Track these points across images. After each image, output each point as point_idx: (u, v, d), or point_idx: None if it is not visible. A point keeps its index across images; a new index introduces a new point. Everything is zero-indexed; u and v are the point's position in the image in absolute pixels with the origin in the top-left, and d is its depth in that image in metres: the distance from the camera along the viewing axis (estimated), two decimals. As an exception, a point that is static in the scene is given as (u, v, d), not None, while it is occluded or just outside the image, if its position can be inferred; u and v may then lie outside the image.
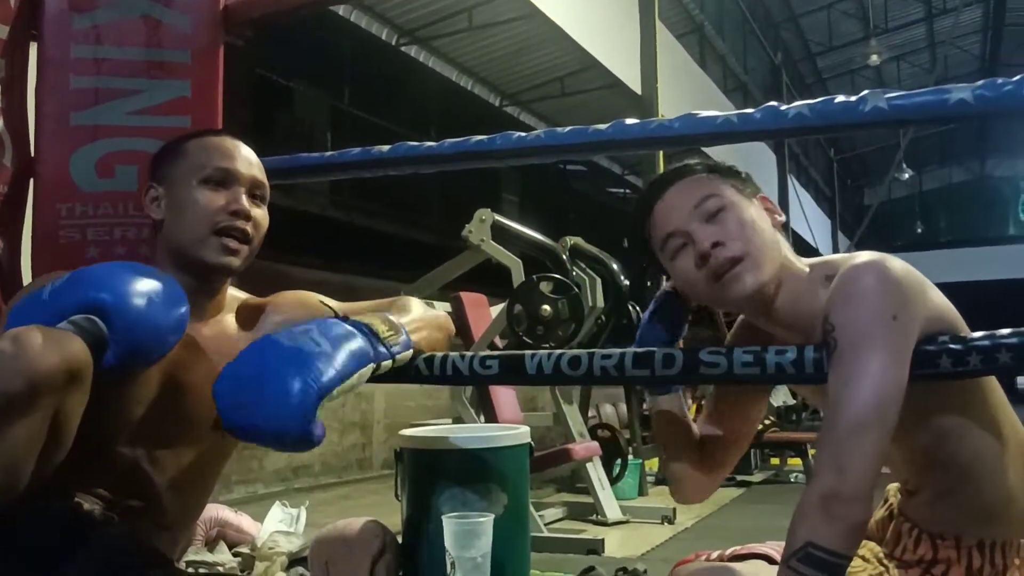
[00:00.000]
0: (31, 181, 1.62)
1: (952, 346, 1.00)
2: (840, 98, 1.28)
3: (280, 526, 1.98)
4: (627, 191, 13.87)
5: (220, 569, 1.69)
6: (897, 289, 0.98)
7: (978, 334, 1.01)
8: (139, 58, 1.66)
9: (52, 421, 0.97)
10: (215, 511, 1.87)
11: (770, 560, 1.22)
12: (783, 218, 1.16)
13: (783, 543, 1.24)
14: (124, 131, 1.64)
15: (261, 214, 1.29)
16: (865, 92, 1.27)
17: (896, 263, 1.01)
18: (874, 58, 15.08)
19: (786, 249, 1.13)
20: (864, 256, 1.03)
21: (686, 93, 8.95)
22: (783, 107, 1.31)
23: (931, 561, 1.07)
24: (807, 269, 1.12)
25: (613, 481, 4.31)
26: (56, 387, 0.94)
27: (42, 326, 0.97)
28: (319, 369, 1.04)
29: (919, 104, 1.25)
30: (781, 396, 6.64)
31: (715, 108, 1.41)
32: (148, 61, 1.67)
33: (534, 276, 3.64)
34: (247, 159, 1.29)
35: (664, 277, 1.21)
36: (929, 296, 1.03)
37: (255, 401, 1.03)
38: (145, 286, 1.08)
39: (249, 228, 1.26)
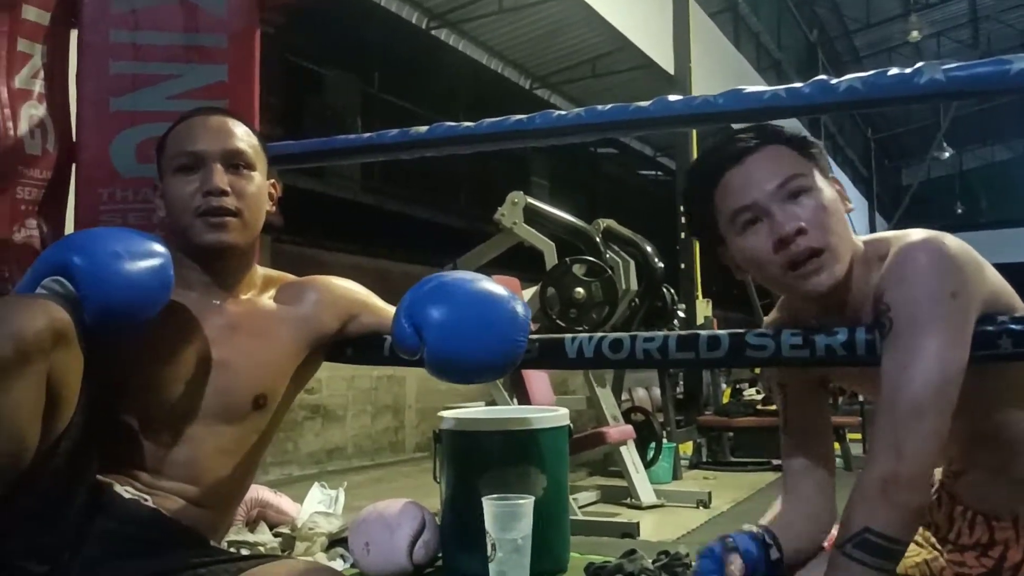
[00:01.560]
0: (73, 166, 1.64)
1: (1013, 326, 0.97)
2: (894, 70, 1.24)
3: (319, 507, 2.00)
4: (659, 173, 13.75)
5: (261, 549, 1.71)
6: (955, 266, 0.95)
7: None
8: (177, 43, 1.67)
9: (48, 386, 0.98)
10: (255, 492, 1.89)
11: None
12: (852, 206, 1.09)
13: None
14: (163, 116, 1.63)
15: (247, 183, 1.25)
16: (920, 64, 1.23)
17: (952, 240, 0.98)
18: (914, 34, 14.72)
19: (855, 238, 1.07)
20: (918, 234, 1.00)
21: (719, 73, 8.82)
22: (833, 81, 1.26)
23: (988, 543, 1.05)
24: (863, 248, 1.07)
25: (647, 465, 4.30)
26: (44, 348, 0.96)
27: (16, 294, 1.00)
28: None
29: (978, 75, 1.20)
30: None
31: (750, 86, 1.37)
32: (185, 46, 1.67)
33: (567, 259, 3.63)
34: (216, 132, 1.26)
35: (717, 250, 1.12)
36: (986, 274, 1.00)
37: None
38: (118, 246, 1.10)
39: (230, 201, 1.23)
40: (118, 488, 1.15)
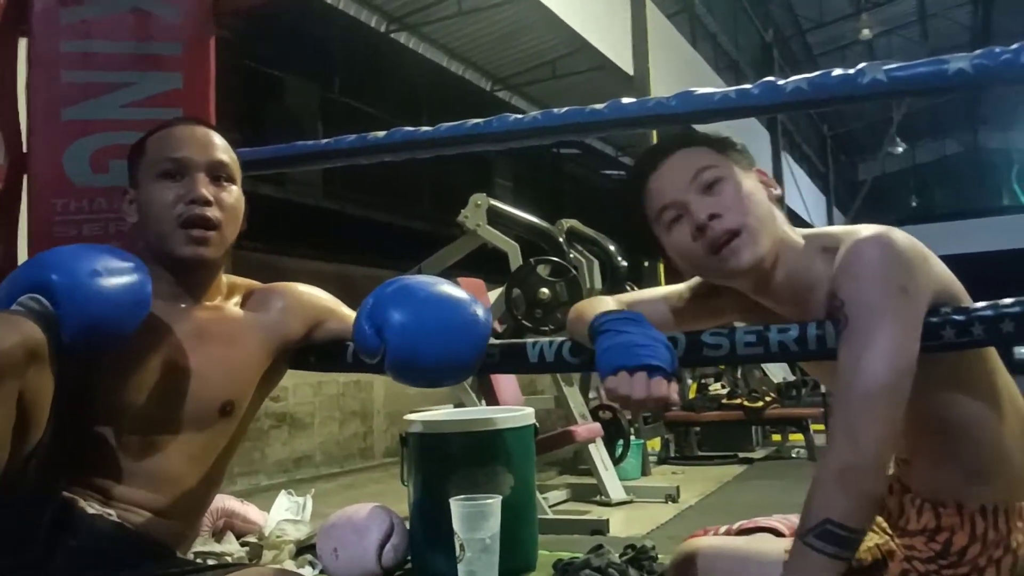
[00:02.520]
0: (24, 177, 1.61)
1: (955, 317, 1.01)
2: (838, 71, 1.28)
3: (287, 514, 1.99)
4: (621, 172, 13.85)
5: (228, 559, 1.70)
6: (904, 261, 0.98)
7: (980, 304, 1.02)
8: (130, 51, 1.65)
9: (20, 403, 0.97)
10: (221, 501, 1.88)
11: (776, 533, 1.23)
12: (779, 191, 1.15)
13: (789, 516, 1.25)
14: (116, 125, 1.63)
15: (229, 195, 1.26)
16: (863, 64, 1.27)
17: (900, 235, 1.01)
18: (865, 32, 15.01)
19: (782, 222, 1.13)
20: (868, 230, 1.03)
21: (677, 73, 8.91)
22: (780, 82, 1.30)
23: (935, 529, 1.08)
24: (802, 241, 1.12)
25: (616, 462, 4.33)
26: (16, 365, 0.95)
27: None
28: None
29: (917, 75, 1.25)
30: (781, 372, 6.66)
31: (708, 87, 1.40)
32: (139, 54, 1.66)
33: (531, 260, 3.64)
34: (203, 143, 1.26)
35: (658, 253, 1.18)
36: (934, 268, 1.04)
37: None
38: (96, 263, 1.09)
39: (212, 213, 1.23)
40: (82, 503, 1.14)
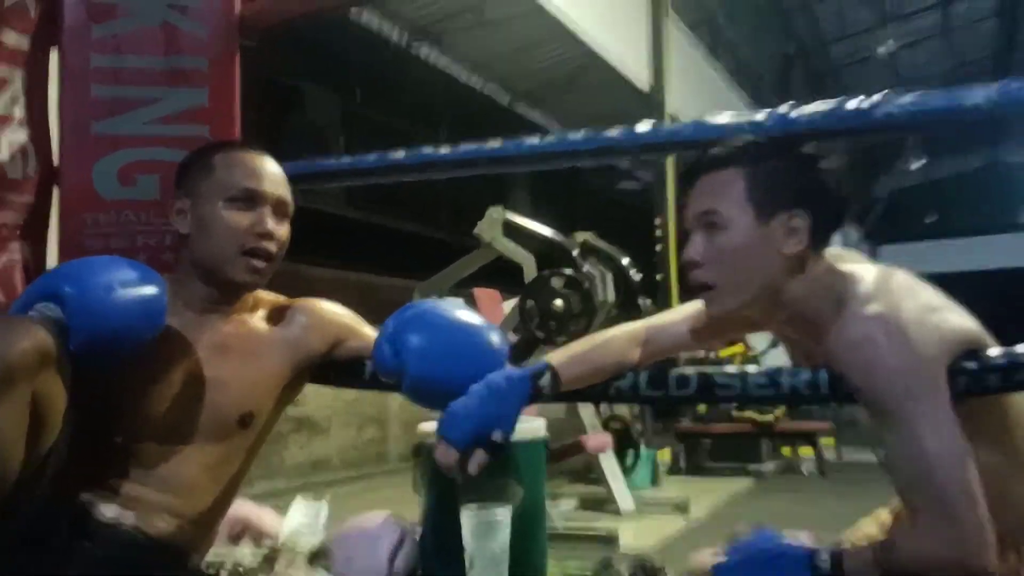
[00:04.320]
0: (54, 190, 1.65)
1: (967, 364, 1.01)
2: (852, 104, 1.27)
3: (302, 520, 2.01)
4: (637, 185, 13.83)
5: (243, 564, 1.73)
6: (911, 341, 0.98)
7: (995, 352, 1.01)
8: (158, 66, 1.68)
9: (33, 408, 1.00)
10: (237, 508, 1.90)
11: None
12: (802, 246, 1.09)
13: (798, 533, 1.27)
14: (144, 140, 1.66)
15: (284, 231, 1.32)
16: (877, 96, 1.26)
17: (906, 306, 1.00)
18: (890, 43, 14.93)
19: (794, 269, 1.09)
20: (866, 311, 1.01)
21: (694, 87, 8.91)
22: (793, 114, 1.30)
23: None
24: (822, 276, 1.10)
25: (626, 472, 4.34)
26: (30, 368, 0.98)
27: (5, 316, 1.02)
28: None
29: (932, 109, 1.24)
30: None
31: (723, 102, 1.42)
32: (167, 69, 1.68)
33: (546, 271, 3.67)
34: (273, 177, 1.32)
35: None
36: (944, 326, 1.02)
37: None
38: (110, 276, 1.13)
39: (273, 247, 1.29)
40: (100, 508, 1.17)
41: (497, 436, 1.10)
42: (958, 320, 1.05)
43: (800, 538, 1.27)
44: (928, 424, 0.95)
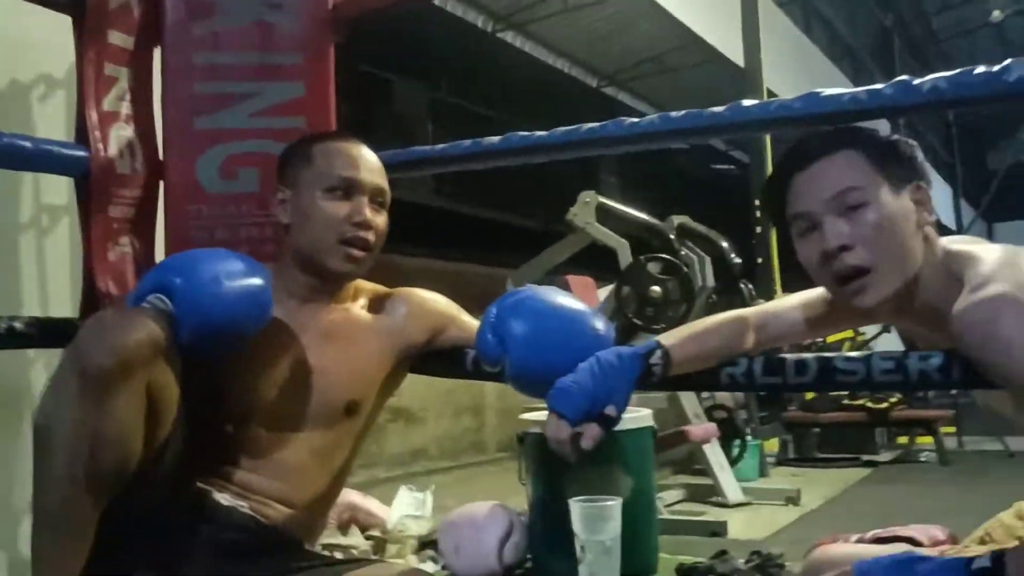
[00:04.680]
0: (160, 185, 1.70)
1: None
2: (980, 68, 1.17)
3: (409, 510, 2.02)
4: (732, 167, 13.50)
5: (354, 552, 1.74)
6: None
7: None
8: (254, 62, 1.71)
9: (148, 397, 1.03)
10: (345, 495, 1.93)
11: (915, 543, 1.16)
12: (933, 218, 1.04)
13: (927, 527, 1.18)
14: (244, 134, 1.69)
15: (382, 220, 1.32)
16: (1009, 60, 1.15)
17: None
18: (996, 14, 14.04)
19: (927, 247, 1.04)
20: (990, 289, 0.93)
21: (792, 63, 8.61)
22: (916, 81, 1.19)
23: None
24: (940, 261, 1.03)
25: (732, 463, 4.22)
26: (145, 358, 1.01)
27: (115, 308, 1.03)
28: None
29: None
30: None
31: (822, 78, 1.32)
32: (263, 64, 1.71)
33: (642, 257, 3.59)
34: (370, 166, 1.31)
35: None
36: None
37: None
38: (218, 268, 1.14)
39: (371, 236, 1.29)
40: (216, 495, 1.18)
41: (611, 411, 1.05)
42: None
43: (931, 531, 1.19)
44: None
